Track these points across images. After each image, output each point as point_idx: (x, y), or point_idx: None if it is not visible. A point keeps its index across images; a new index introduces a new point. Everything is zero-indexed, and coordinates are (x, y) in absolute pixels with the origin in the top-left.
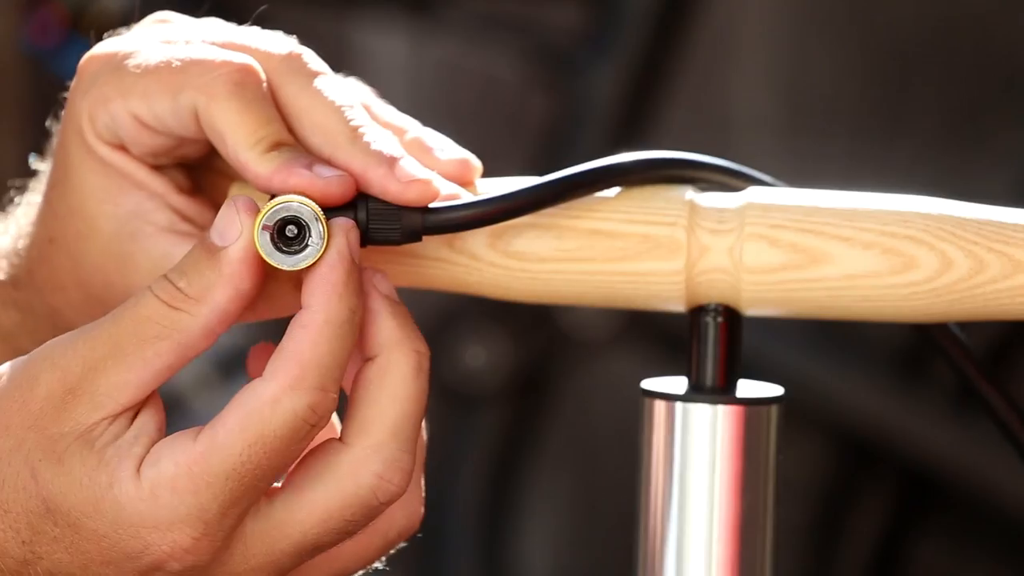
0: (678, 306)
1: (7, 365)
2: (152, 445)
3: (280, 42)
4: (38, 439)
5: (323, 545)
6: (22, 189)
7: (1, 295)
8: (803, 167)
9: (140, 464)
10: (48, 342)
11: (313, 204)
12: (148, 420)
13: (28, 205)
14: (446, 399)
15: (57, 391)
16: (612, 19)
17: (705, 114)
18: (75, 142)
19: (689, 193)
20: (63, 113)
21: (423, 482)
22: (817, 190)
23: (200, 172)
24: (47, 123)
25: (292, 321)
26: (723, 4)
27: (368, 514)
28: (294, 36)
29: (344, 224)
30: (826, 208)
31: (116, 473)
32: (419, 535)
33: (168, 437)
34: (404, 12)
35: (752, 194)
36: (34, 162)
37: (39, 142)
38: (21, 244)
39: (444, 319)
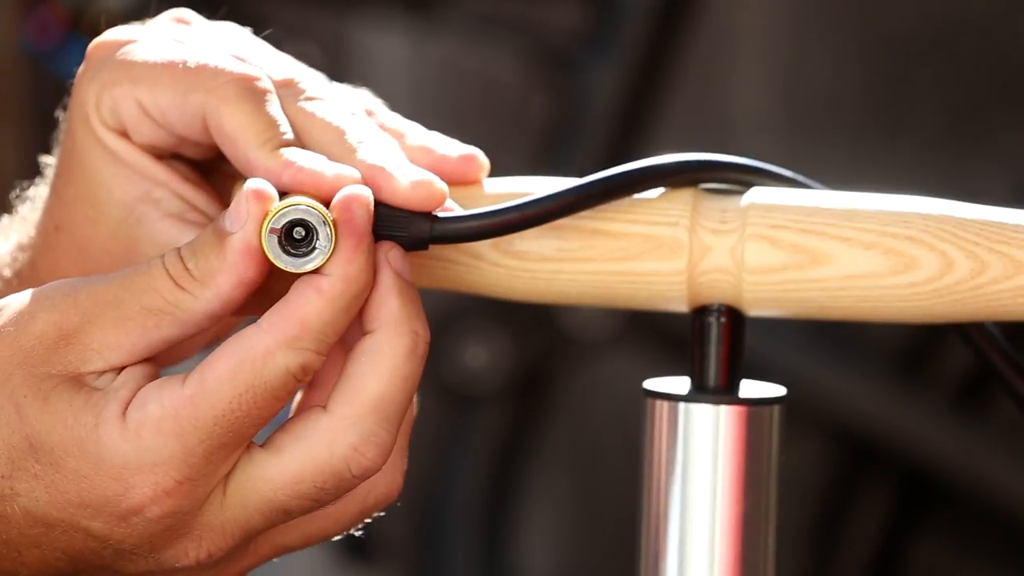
0: (680, 306)
1: (8, 299)
2: (139, 389)
3: (283, 66)
4: (25, 376)
5: (293, 510)
6: (28, 187)
7: (4, 291)
8: (803, 167)
9: (126, 406)
10: (52, 283)
11: (321, 207)
12: (137, 369)
13: (34, 199)
14: (446, 399)
15: (51, 334)
16: (612, 19)
17: (705, 114)
18: (81, 128)
19: (691, 193)
20: (70, 100)
21: (407, 454)
22: (820, 191)
23: (207, 172)
24: (55, 114)
25: (302, 280)
26: (723, 3)
27: (340, 485)
28: (300, 45)
29: (362, 195)
30: (827, 208)
31: (102, 414)
32: (416, 537)
33: (156, 381)
34: (404, 12)
35: (754, 194)
36: (42, 159)
37: (39, 142)
38: (26, 238)
39: (444, 319)
